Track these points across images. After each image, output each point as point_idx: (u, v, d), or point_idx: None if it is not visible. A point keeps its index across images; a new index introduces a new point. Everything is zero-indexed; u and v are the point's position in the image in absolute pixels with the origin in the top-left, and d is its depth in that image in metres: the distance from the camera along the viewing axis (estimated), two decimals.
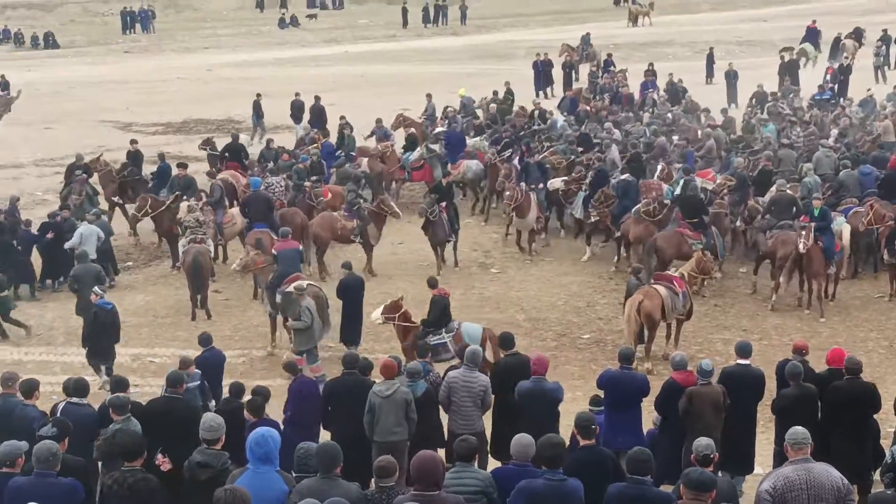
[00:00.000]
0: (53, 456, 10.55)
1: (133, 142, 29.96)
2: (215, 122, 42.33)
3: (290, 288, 21.29)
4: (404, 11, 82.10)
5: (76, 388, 14.03)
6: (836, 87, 45.24)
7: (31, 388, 13.78)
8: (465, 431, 13.79)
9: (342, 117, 36.29)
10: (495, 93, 40.94)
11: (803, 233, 23.23)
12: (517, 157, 30.38)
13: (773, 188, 25.83)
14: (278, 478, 9.94)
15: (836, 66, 47.32)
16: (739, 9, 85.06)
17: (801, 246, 23.06)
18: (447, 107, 38.24)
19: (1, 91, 23.16)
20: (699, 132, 33.69)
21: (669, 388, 14.73)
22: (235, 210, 27.12)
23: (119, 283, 26.47)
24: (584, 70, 51.97)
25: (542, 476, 10.16)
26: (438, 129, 35.02)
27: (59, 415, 13.33)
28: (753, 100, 40.55)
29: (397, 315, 20.28)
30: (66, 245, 24.46)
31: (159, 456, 12.35)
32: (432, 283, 20.83)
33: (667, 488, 11.92)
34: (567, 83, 50.37)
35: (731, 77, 45.51)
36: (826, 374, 14.76)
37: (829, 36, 54.44)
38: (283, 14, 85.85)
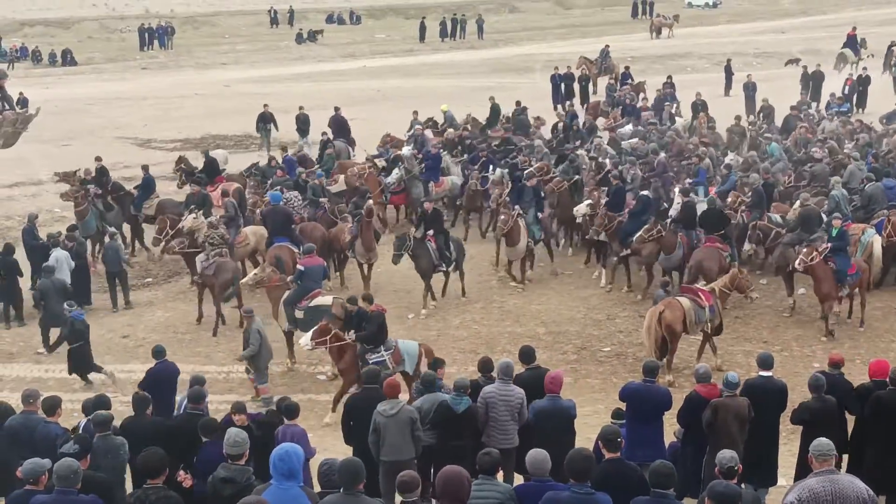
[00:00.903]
0: (74, 473, 10.54)
1: (97, 158, 29.78)
2: (233, 137, 42.43)
3: (315, 302, 21.83)
4: (422, 26, 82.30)
5: (97, 405, 14.06)
6: (854, 97, 45.10)
7: (53, 405, 13.85)
8: (505, 446, 13.67)
9: (324, 133, 36.64)
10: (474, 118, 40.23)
11: (804, 250, 22.94)
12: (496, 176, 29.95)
13: (797, 203, 25.57)
14: (301, 494, 9.89)
15: (855, 76, 47.13)
16: (757, 20, 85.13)
17: (797, 263, 22.83)
18: (414, 122, 38.23)
19: (19, 108, 23.23)
20: (689, 146, 33.46)
21: (693, 401, 14.64)
22: (250, 229, 26.86)
23: (139, 300, 26.54)
24: (603, 83, 51.83)
25: (569, 489, 10.08)
26: (405, 150, 33.76)
27: (80, 432, 13.37)
28: (760, 115, 40.29)
29: (328, 338, 19.61)
30: (50, 263, 24.26)
31: (181, 472, 12.33)
32: (368, 299, 20.58)
33: (690, 502, 11.87)
34: (584, 96, 50.35)
35: (750, 89, 45.31)
36: (871, 385, 14.61)
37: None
38: (301, 30, 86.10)
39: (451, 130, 36.70)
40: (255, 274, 23.16)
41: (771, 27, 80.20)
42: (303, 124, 41.34)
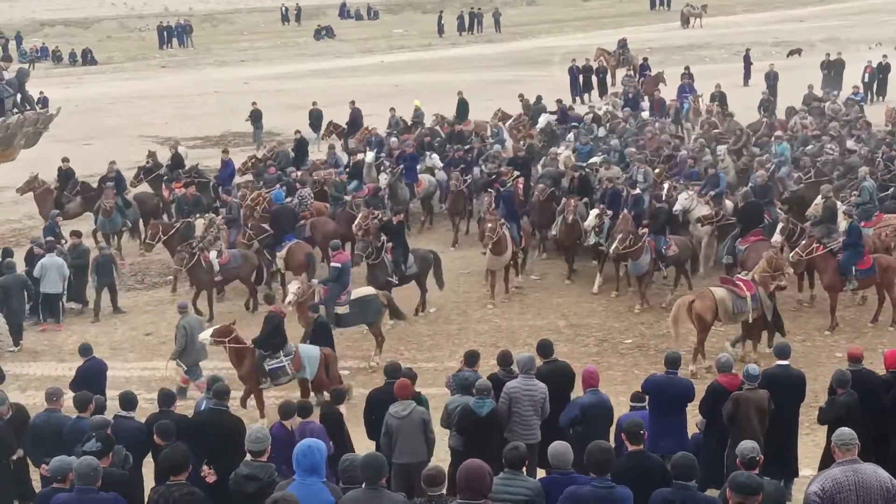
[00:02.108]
0: (94, 471, 10.57)
1: (65, 160, 29.81)
2: (251, 134, 42.46)
3: (357, 294, 21.96)
4: (439, 20, 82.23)
5: (124, 401, 14.17)
6: (875, 85, 44.86)
7: (85, 401, 13.89)
8: (528, 441, 13.49)
9: (297, 131, 36.89)
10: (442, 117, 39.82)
11: (802, 242, 22.91)
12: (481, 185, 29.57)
13: (819, 197, 25.40)
14: (324, 489, 9.93)
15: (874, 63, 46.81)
16: (776, 9, 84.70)
17: (791, 255, 22.74)
18: (392, 118, 38.41)
19: (40, 108, 23.34)
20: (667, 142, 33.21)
21: (715, 391, 14.60)
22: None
23: (161, 298, 26.66)
24: (621, 75, 51.72)
25: (590, 483, 10.07)
26: (369, 156, 32.18)
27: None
28: (760, 108, 40.00)
29: (227, 339, 19.15)
30: (34, 273, 24.29)
31: (205, 467, 12.39)
32: (269, 300, 20.39)
33: (712, 492, 11.86)
34: (602, 88, 50.30)
35: (772, 78, 45.13)
36: (889, 376, 14.56)
37: (867, 34, 53.97)
38: (319, 26, 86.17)
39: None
40: (294, 294, 21.51)
41: (790, 16, 79.88)
42: (315, 120, 41.44)
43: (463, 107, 41.09)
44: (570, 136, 34.31)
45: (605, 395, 14.52)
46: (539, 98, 40.97)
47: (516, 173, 29.40)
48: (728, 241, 24.99)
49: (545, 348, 15.62)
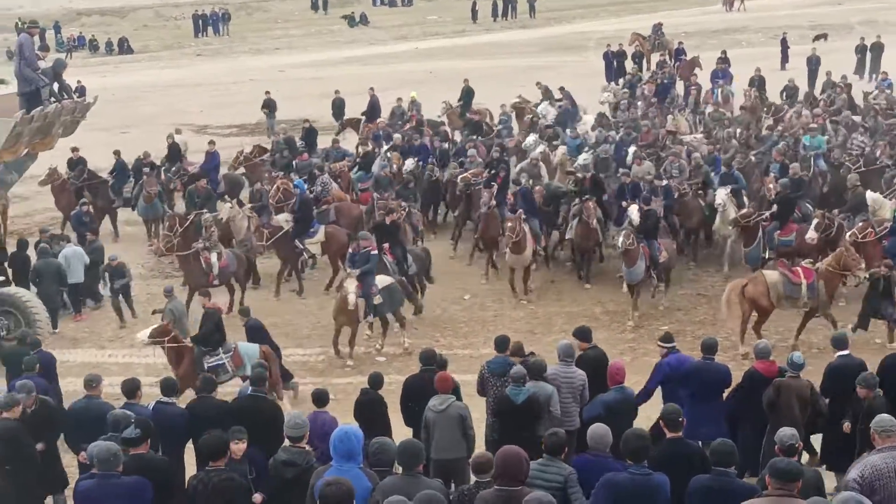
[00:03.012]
0: (114, 456, 10.64)
1: (74, 149, 29.96)
2: (288, 122, 42.53)
3: (382, 283, 21.83)
4: (473, 6, 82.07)
5: (165, 387, 14.26)
6: None
7: (133, 388, 13.95)
8: (567, 428, 13.49)
9: (306, 120, 37.05)
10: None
11: (859, 224, 22.77)
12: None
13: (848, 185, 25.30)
14: (361, 475, 9.96)
15: None
16: None
17: (848, 235, 22.46)
18: (397, 108, 38.25)
19: (77, 97, 23.51)
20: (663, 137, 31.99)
21: (752, 378, 14.56)
22: (283, 216, 26.38)
23: None
24: (655, 60, 51.43)
25: (627, 470, 10.04)
26: (409, 162, 30.79)
27: (149, 413, 13.55)
28: (783, 94, 39.28)
29: (166, 339, 18.77)
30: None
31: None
32: (204, 293, 20.25)
33: (748, 480, 11.81)
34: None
35: (813, 63, 44.59)
36: None
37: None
38: (353, 13, 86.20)
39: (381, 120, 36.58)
40: (355, 289, 21.14)
41: None
42: (337, 109, 41.45)
43: (469, 95, 40.59)
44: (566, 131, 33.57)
45: (630, 391, 14.32)
46: (547, 89, 40.52)
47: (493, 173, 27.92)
48: (761, 237, 24.27)
49: (584, 334, 15.60)
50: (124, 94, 53.28)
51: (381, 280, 21.92)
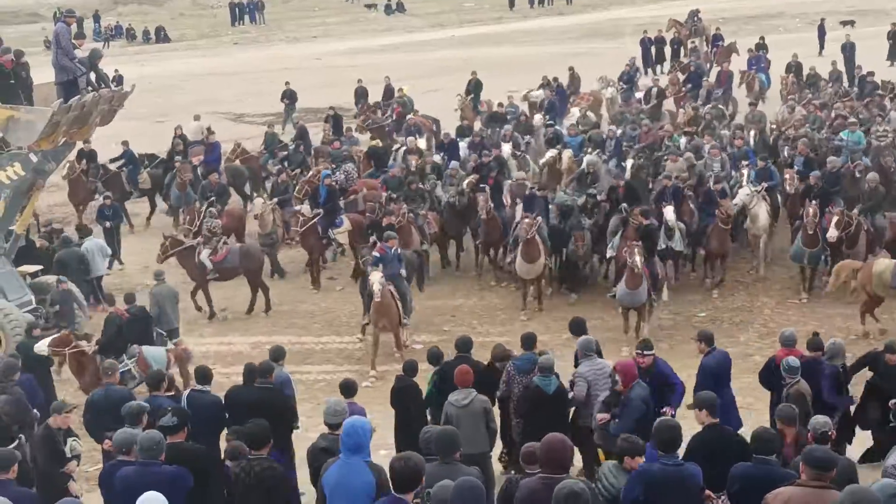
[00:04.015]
0: (157, 445, 10.61)
1: (86, 141, 30.10)
2: (324, 110, 42.58)
3: None
4: None
5: (199, 376, 14.30)
6: None
7: (158, 379, 14.03)
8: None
9: (331, 107, 37.28)
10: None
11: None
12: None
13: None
14: (365, 468, 9.81)
15: None
16: None
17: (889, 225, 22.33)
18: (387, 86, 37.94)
19: (115, 86, 23.59)
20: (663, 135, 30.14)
21: (773, 364, 14.45)
22: (305, 207, 26.31)
23: None
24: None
25: (659, 461, 9.88)
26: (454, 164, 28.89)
27: (184, 402, 13.57)
28: (806, 82, 38.45)
29: (66, 348, 18.17)
30: None
31: None
32: (128, 299, 19.78)
33: None
34: (675, 60, 49.74)
35: (847, 50, 43.96)
36: None
37: None
38: (389, 1, 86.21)
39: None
40: (380, 279, 20.40)
41: None
42: (360, 98, 41.41)
43: (478, 88, 40.01)
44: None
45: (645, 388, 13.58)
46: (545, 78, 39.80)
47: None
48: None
49: (579, 326, 15.76)
50: (161, 83, 53.50)
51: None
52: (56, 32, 22.17)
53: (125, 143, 31.03)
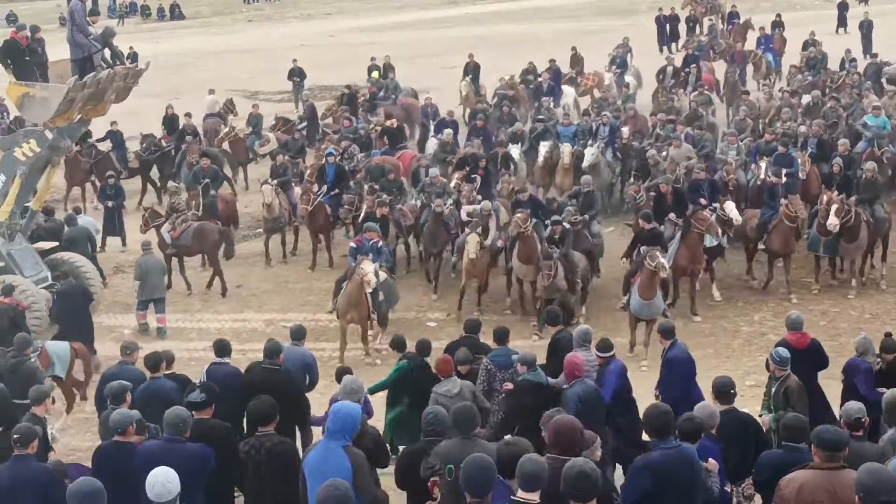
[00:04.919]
0: (184, 422, 10.58)
1: (112, 122, 29.90)
2: (339, 87, 42.52)
3: None
4: None
5: (218, 349, 14.34)
6: None
7: (157, 361, 13.90)
8: None
9: (347, 86, 36.72)
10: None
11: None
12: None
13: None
14: (342, 454, 9.65)
15: None
16: None
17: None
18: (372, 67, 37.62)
19: (129, 63, 23.57)
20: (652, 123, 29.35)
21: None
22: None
23: (251, 250, 27.00)
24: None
25: (657, 447, 9.56)
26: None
27: (203, 375, 13.60)
28: (805, 63, 37.58)
29: None
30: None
31: None
32: (6, 291, 19.23)
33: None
34: (690, 37, 49.43)
35: (865, 27, 43.53)
36: None
37: None
38: None
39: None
40: (372, 268, 20.14)
41: None
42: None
43: (476, 71, 39.13)
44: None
45: (592, 384, 13.16)
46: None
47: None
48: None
49: (554, 317, 15.64)
50: (175, 61, 53.49)
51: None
52: (71, 9, 22.15)
53: (113, 124, 30.86)
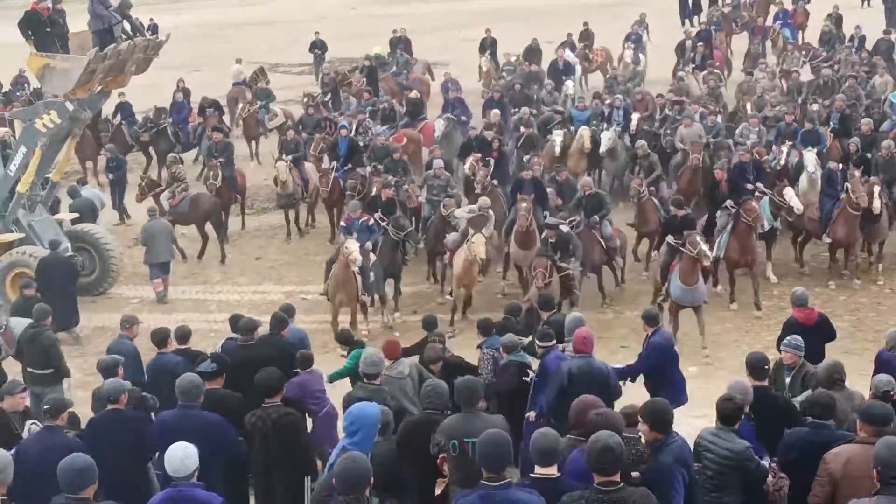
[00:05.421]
0: (196, 388, 10.65)
1: (120, 94, 29.80)
2: (358, 60, 42.53)
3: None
4: None
5: (234, 323, 14.38)
6: None
7: (163, 337, 13.90)
8: None
9: (367, 56, 36.35)
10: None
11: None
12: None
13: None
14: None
15: None
16: None
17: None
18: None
19: (150, 35, 23.55)
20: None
21: (791, 326, 14.21)
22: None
23: (270, 223, 27.19)
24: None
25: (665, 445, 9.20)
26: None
27: (219, 350, 13.60)
28: (821, 39, 37.01)
29: None
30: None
31: None
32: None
33: None
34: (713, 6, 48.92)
35: (890, 1, 43.00)
36: None
37: None
38: None
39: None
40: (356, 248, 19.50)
41: None
42: (394, 49, 41.09)
43: (493, 46, 38.56)
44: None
45: (600, 363, 12.61)
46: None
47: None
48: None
49: (547, 302, 15.49)
50: (196, 32, 53.54)
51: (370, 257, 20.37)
52: None
53: (121, 95, 30.51)
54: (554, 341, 13.07)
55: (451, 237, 20.69)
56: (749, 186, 21.34)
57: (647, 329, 14.36)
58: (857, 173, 21.18)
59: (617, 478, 7.76)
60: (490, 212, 21.15)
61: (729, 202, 20.72)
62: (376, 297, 20.79)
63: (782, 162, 23.79)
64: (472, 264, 19.64)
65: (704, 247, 18.25)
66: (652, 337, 14.25)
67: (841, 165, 21.91)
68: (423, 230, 22.83)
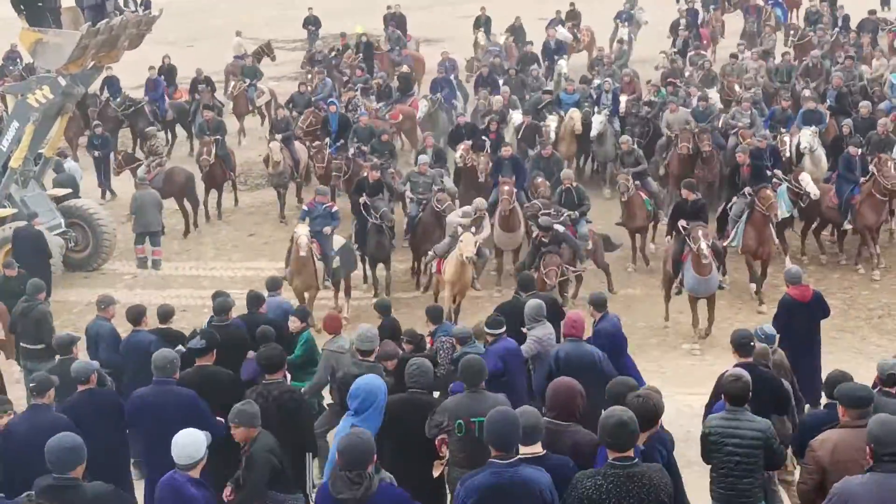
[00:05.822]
0: (171, 363, 10.63)
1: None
2: (353, 36, 42.39)
3: None
4: None
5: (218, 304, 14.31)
6: None
7: (138, 315, 13.79)
8: None
9: (363, 34, 36.13)
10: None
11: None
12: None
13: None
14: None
15: None
16: None
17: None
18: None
19: (143, 10, 23.43)
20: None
21: (787, 305, 14.23)
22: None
23: (266, 199, 27.17)
24: None
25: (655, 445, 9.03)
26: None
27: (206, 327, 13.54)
28: (807, 19, 36.55)
29: None
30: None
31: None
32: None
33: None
34: None
35: None
36: None
37: None
38: None
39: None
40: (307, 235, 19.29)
41: None
42: (389, 25, 40.86)
43: (488, 23, 37.88)
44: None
45: (589, 348, 12.38)
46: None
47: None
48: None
49: (526, 283, 15.15)
50: (191, 7, 53.24)
51: (336, 241, 20.18)
52: None
53: (108, 69, 30.04)
54: (503, 329, 12.53)
55: (441, 245, 19.73)
56: (767, 173, 20.83)
57: (595, 315, 13.73)
58: (884, 155, 20.65)
59: (631, 453, 7.68)
60: (486, 213, 20.58)
61: (748, 189, 20.06)
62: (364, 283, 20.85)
63: (787, 154, 23.24)
64: (464, 266, 18.80)
65: (704, 244, 17.67)
66: (599, 322, 13.61)
67: (860, 151, 21.12)
68: (408, 230, 21.79)
